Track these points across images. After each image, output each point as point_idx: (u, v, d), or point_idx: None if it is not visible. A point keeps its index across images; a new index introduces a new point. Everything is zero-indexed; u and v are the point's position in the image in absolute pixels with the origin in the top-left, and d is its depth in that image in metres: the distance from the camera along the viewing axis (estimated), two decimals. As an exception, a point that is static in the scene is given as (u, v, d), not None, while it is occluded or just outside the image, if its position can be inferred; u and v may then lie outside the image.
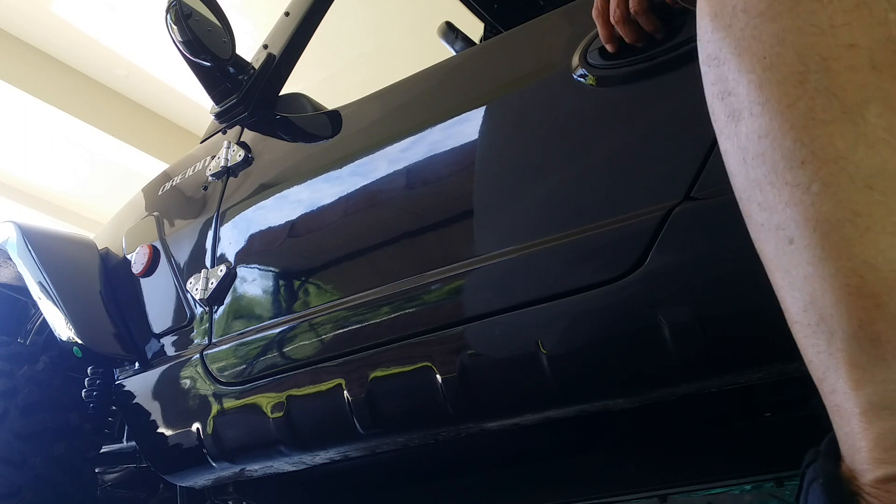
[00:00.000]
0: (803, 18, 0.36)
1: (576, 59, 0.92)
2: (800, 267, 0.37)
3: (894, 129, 0.35)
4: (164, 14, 1.25)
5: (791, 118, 0.37)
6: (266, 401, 1.10)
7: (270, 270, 1.19)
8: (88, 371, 1.42)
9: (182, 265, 1.32)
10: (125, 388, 1.36)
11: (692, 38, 0.79)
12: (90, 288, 1.44)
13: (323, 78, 4.48)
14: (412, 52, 3.98)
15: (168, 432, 1.25)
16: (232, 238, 1.26)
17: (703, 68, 0.43)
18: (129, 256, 1.43)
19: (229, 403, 1.15)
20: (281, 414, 1.07)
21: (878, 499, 0.34)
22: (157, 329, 1.33)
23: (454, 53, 1.30)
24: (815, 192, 0.36)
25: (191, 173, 1.46)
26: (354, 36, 4.38)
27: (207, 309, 1.24)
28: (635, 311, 0.81)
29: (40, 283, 1.38)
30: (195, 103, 5.51)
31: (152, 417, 1.28)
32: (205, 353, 1.20)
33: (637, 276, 0.80)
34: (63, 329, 1.34)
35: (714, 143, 0.81)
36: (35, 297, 1.39)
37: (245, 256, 1.22)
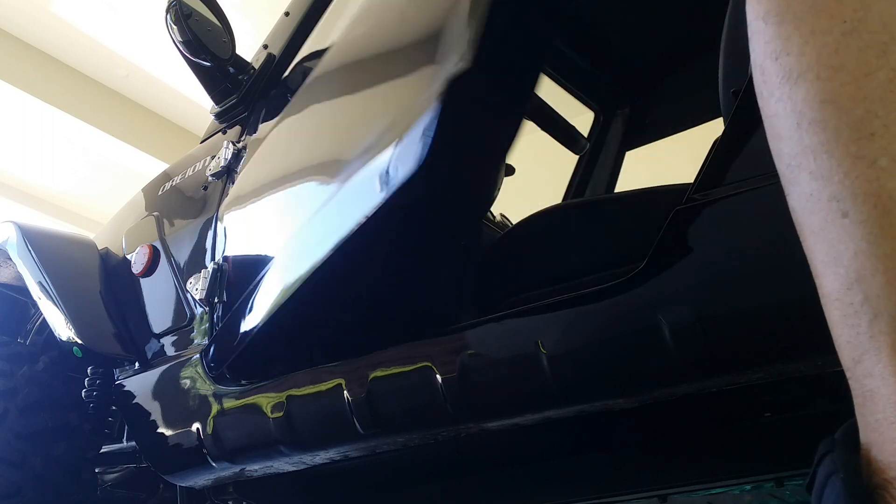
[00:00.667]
0: None
1: None
2: (852, 242, 0.35)
3: None
4: (164, 14, 1.25)
5: (867, 87, 0.35)
6: (266, 401, 1.10)
7: (270, 270, 1.19)
8: (88, 371, 1.42)
9: (182, 265, 1.32)
10: (125, 389, 1.36)
11: None
12: (90, 288, 1.44)
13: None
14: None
15: (168, 432, 1.25)
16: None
17: (757, 24, 0.41)
18: (129, 256, 1.43)
19: (229, 403, 1.15)
20: (281, 414, 1.07)
21: None
22: (157, 329, 1.33)
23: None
24: (883, 166, 0.34)
25: (191, 173, 1.46)
26: (354, 36, 4.39)
27: (207, 309, 1.24)
28: (635, 312, 0.81)
29: (40, 283, 1.38)
30: (195, 103, 5.51)
31: (152, 417, 1.28)
32: (205, 353, 1.20)
33: (637, 276, 0.80)
34: (63, 329, 1.34)
35: (715, 142, 0.81)
36: (35, 297, 1.39)
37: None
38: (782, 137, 0.39)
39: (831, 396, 0.86)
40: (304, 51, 1.31)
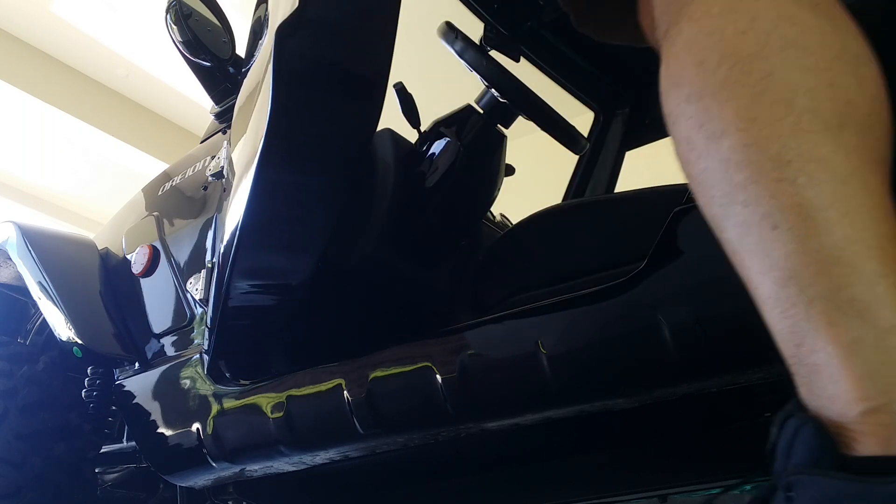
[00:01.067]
0: (792, 62, 0.45)
1: None
2: (784, 247, 0.43)
3: (863, 146, 0.44)
4: (164, 14, 1.25)
5: (779, 129, 0.44)
6: (266, 401, 1.10)
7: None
8: (88, 371, 1.42)
9: (182, 265, 1.32)
10: (125, 389, 1.36)
11: None
12: (90, 288, 1.44)
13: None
14: (413, 51, 3.98)
15: (168, 432, 1.25)
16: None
17: (680, 107, 0.50)
18: (129, 256, 1.43)
19: (229, 403, 1.16)
20: (281, 414, 1.07)
21: (864, 426, 0.40)
22: (157, 329, 1.33)
23: (454, 53, 1.30)
24: (801, 183, 0.43)
25: (191, 173, 1.46)
26: (354, 36, 4.39)
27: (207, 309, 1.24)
28: (635, 312, 0.81)
29: (40, 283, 1.38)
30: (195, 103, 5.51)
31: (152, 417, 1.28)
32: (205, 353, 1.20)
33: (637, 276, 0.80)
34: (63, 329, 1.35)
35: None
36: (35, 297, 1.39)
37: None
38: (713, 185, 0.48)
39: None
40: None
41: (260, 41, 1.11)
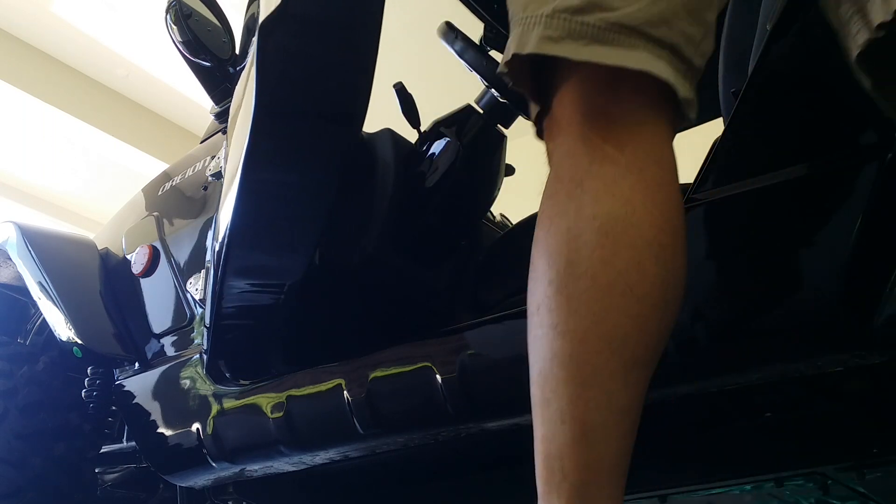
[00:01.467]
0: (621, 308, 0.56)
1: None
2: (562, 435, 0.57)
3: (641, 381, 0.59)
4: (164, 14, 1.25)
5: (593, 357, 0.57)
6: (266, 401, 1.10)
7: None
8: (88, 371, 1.42)
9: (182, 265, 1.32)
10: (125, 389, 1.36)
11: None
12: (90, 288, 1.44)
13: (323, 78, 4.48)
14: (416, 49, 3.98)
15: (168, 432, 1.25)
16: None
17: (541, 298, 0.59)
18: (128, 256, 1.43)
19: (229, 403, 1.16)
20: (281, 414, 1.07)
21: None
22: (157, 329, 1.33)
23: (454, 53, 1.30)
24: (592, 406, 0.56)
25: (191, 173, 1.46)
26: (354, 36, 4.39)
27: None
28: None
29: (40, 284, 1.38)
30: (195, 103, 5.51)
31: (152, 418, 1.28)
32: (204, 353, 1.20)
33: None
34: (63, 329, 1.35)
35: (715, 142, 0.81)
36: (35, 298, 1.39)
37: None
38: (543, 355, 0.59)
39: (831, 396, 0.86)
40: None
41: (253, 38, 1.11)
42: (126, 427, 1.59)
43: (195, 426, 1.19)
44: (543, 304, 0.57)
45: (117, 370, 1.41)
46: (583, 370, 0.55)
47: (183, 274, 1.31)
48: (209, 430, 1.17)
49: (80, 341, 1.33)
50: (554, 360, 0.56)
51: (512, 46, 0.60)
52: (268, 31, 0.86)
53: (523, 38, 0.59)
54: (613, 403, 0.56)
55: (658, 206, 0.57)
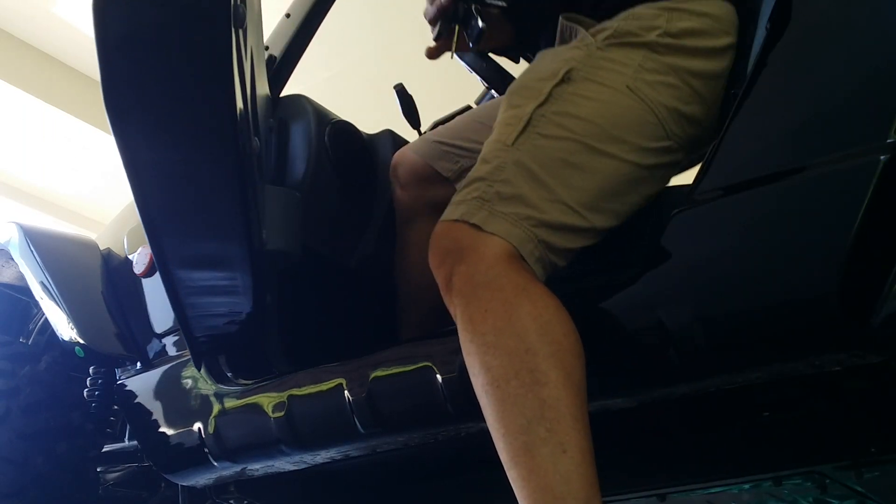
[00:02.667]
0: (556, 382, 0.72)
1: None
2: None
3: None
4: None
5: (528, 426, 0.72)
6: (267, 400, 1.10)
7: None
8: (90, 370, 1.42)
9: (183, 265, 1.32)
10: (127, 388, 1.36)
11: None
12: (92, 288, 1.44)
13: (325, 78, 4.48)
14: (416, 49, 3.97)
15: (170, 432, 1.26)
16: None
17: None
18: (130, 257, 1.43)
19: (230, 403, 1.16)
20: (282, 413, 1.07)
21: None
22: (158, 329, 1.34)
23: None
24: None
25: (192, 174, 1.46)
26: (357, 36, 4.39)
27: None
28: (634, 312, 0.81)
29: (42, 284, 1.38)
30: (196, 103, 5.49)
31: (154, 417, 1.29)
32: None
33: (636, 276, 0.81)
34: (65, 329, 1.35)
35: (714, 144, 0.82)
36: (37, 298, 1.40)
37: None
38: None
39: (829, 396, 0.86)
40: None
41: None
42: (128, 426, 1.60)
43: (197, 425, 1.20)
44: (523, 370, 0.72)
45: (119, 370, 1.41)
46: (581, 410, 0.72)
47: (184, 274, 1.31)
48: (211, 429, 1.17)
49: (82, 341, 1.33)
50: (544, 405, 0.70)
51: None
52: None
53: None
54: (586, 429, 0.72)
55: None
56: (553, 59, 0.93)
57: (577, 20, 0.97)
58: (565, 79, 0.88)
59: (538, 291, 0.76)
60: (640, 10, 0.91)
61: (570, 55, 0.91)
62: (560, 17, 0.99)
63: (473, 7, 1.01)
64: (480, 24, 1.00)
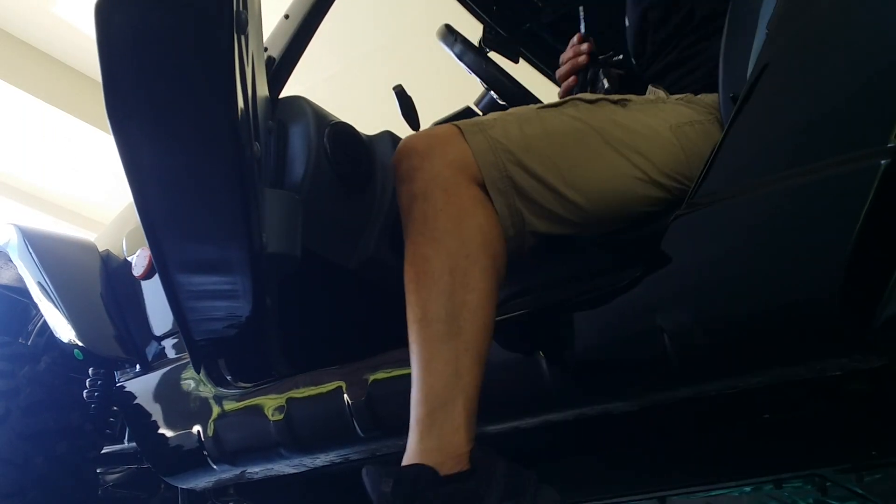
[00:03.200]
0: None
1: None
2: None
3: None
4: None
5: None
6: (266, 403, 1.10)
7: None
8: (90, 372, 1.42)
9: (182, 267, 1.32)
10: (126, 390, 1.36)
11: None
12: (91, 290, 1.44)
13: (324, 78, 4.48)
14: (415, 50, 3.97)
15: (169, 434, 1.25)
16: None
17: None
18: (129, 259, 1.43)
19: (230, 406, 1.16)
20: (281, 417, 1.07)
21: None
22: (157, 332, 1.33)
23: (454, 56, 1.30)
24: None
25: (191, 175, 1.45)
26: (356, 37, 4.39)
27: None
28: (634, 315, 0.81)
29: (41, 285, 1.38)
30: (195, 103, 5.49)
31: (153, 419, 1.29)
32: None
33: (637, 280, 0.81)
34: (64, 331, 1.35)
35: (715, 146, 0.81)
36: (36, 300, 1.40)
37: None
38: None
39: (829, 398, 0.86)
40: None
41: None
42: (127, 428, 1.60)
43: (196, 428, 1.19)
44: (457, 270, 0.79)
45: (118, 372, 1.41)
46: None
47: (183, 276, 1.31)
48: (210, 432, 1.17)
49: (80, 343, 1.33)
50: (465, 306, 0.78)
51: None
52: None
53: None
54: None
55: None
56: (618, 95, 0.99)
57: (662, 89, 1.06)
58: (619, 102, 0.94)
59: (490, 211, 0.81)
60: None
61: (635, 96, 0.98)
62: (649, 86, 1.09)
63: (601, 71, 1.20)
64: (606, 84, 1.19)
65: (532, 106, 0.92)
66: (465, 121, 0.88)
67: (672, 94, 1.06)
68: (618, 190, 0.88)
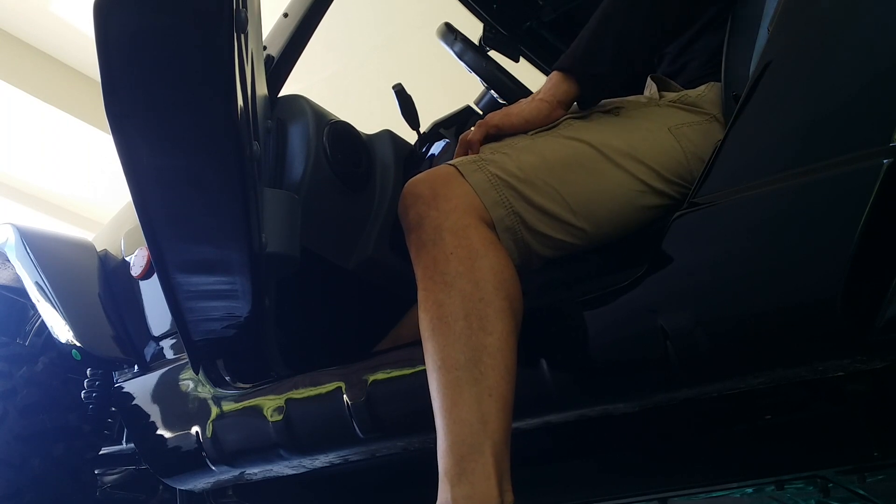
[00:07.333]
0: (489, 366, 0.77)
1: None
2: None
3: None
4: None
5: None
6: (265, 404, 1.10)
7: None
8: (87, 372, 1.42)
9: (181, 267, 1.32)
10: (124, 391, 1.36)
11: None
12: (89, 290, 1.44)
13: (323, 77, 4.48)
14: (415, 50, 3.97)
15: (167, 435, 1.25)
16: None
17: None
18: (127, 259, 1.42)
19: (228, 407, 1.15)
20: (280, 418, 1.07)
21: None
22: (156, 332, 1.33)
23: (454, 55, 1.30)
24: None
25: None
26: (355, 36, 4.38)
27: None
28: (636, 316, 0.81)
29: (38, 285, 1.38)
30: (195, 103, 5.49)
31: (151, 420, 1.28)
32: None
33: (637, 280, 0.80)
34: (62, 331, 1.34)
35: (716, 146, 0.81)
36: (34, 300, 1.39)
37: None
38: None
39: (831, 399, 0.86)
40: None
41: None
42: (125, 429, 1.59)
43: (194, 429, 1.19)
44: (473, 314, 0.78)
45: (116, 372, 1.41)
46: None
47: (182, 276, 1.30)
48: (208, 433, 1.16)
49: (78, 344, 1.32)
50: (484, 351, 0.77)
51: None
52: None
53: None
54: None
55: None
56: (609, 102, 0.98)
57: (659, 80, 1.03)
58: (612, 111, 0.93)
59: (502, 251, 0.81)
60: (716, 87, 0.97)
61: (626, 100, 0.97)
62: (648, 77, 1.06)
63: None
64: None
65: (526, 134, 0.91)
66: (460, 159, 0.87)
67: (671, 79, 1.04)
68: (623, 209, 0.88)
